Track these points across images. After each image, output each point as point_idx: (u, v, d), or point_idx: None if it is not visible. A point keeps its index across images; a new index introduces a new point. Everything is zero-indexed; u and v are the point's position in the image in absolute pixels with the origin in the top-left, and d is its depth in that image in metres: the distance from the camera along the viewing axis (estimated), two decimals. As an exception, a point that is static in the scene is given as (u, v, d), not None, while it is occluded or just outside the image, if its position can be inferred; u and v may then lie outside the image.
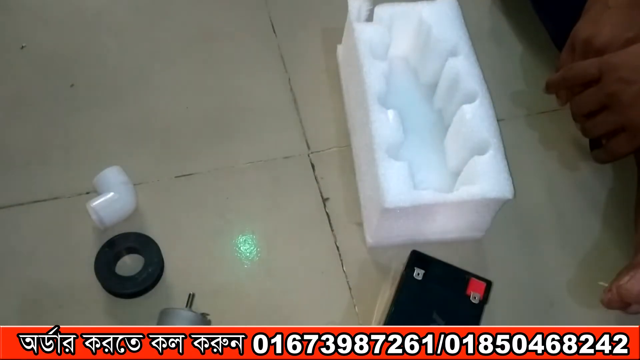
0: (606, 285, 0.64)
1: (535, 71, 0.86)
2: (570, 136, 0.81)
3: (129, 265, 0.69)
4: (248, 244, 0.71)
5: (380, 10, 0.78)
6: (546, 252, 0.72)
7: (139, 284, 0.65)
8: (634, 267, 0.63)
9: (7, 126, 0.79)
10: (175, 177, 0.76)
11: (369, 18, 0.79)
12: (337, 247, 0.71)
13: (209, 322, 0.62)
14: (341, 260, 0.70)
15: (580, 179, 0.78)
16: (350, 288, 0.68)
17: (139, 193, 0.72)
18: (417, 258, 0.65)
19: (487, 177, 0.64)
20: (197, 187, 0.75)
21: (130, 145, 0.78)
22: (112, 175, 0.71)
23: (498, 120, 0.68)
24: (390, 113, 0.68)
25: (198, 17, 0.92)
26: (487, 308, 0.63)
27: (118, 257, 0.68)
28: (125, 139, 0.78)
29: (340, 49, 0.86)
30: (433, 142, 0.75)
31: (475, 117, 0.68)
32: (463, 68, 0.72)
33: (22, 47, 0.87)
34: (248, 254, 0.70)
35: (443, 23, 0.75)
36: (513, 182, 0.64)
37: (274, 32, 0.90)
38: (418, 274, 0.63)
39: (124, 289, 0.65)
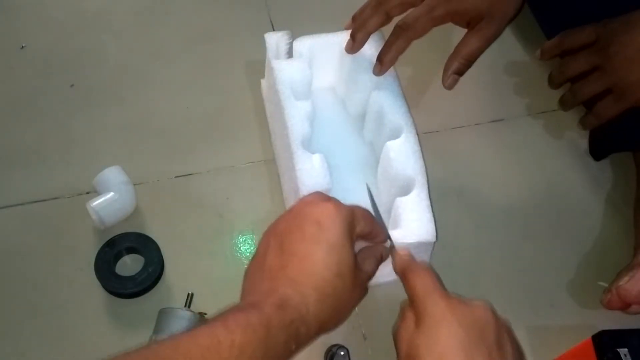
0: (606, 285, 0.64)
1: (535, 71, 0.86)
2: (570, 136, 0.81)
3: (129, 265, 0.69)
4: (248, 243, 0.71)
5: (299, 44, 0.73)
6: (546, 252, 0.72)
7: (139, 284, 0.65)
8: (634, 268, 0.63)
9: (7, 126, 0.79)
10: (175, 177, 0.76)
11: (289, 53, 0.74)
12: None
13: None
14: (341, 260, 0.70)
15: (580, 179, 0.78)
16: (350, 288, 0.68)
17: (139, 193, 0.72)
18: (609, 339, 0.54)
19: (409, 220, 0.61)
20: (197, 187, 0.75)
21: (130, 145, 0.78)
22: (112, 175, 0.71)
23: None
24: (316, 158, 0.64)
25: (198, 17, 0.92)
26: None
27: (118, 257, 0.68)
28: (125, 139, 0.79)
29: (263, 83, 0.81)
30: (366, 178, 0.71)
31: (399, 154, 0.65)
32: (387, 102, 0.69)
33: (22, 47, 0.87)
34: (248, 254, 0.70)
35: (364, 53, 0.70)
36: (436, 224, 0.61)
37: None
38: (626, 355, 0.53)
39: (124, 288, 0.65)
